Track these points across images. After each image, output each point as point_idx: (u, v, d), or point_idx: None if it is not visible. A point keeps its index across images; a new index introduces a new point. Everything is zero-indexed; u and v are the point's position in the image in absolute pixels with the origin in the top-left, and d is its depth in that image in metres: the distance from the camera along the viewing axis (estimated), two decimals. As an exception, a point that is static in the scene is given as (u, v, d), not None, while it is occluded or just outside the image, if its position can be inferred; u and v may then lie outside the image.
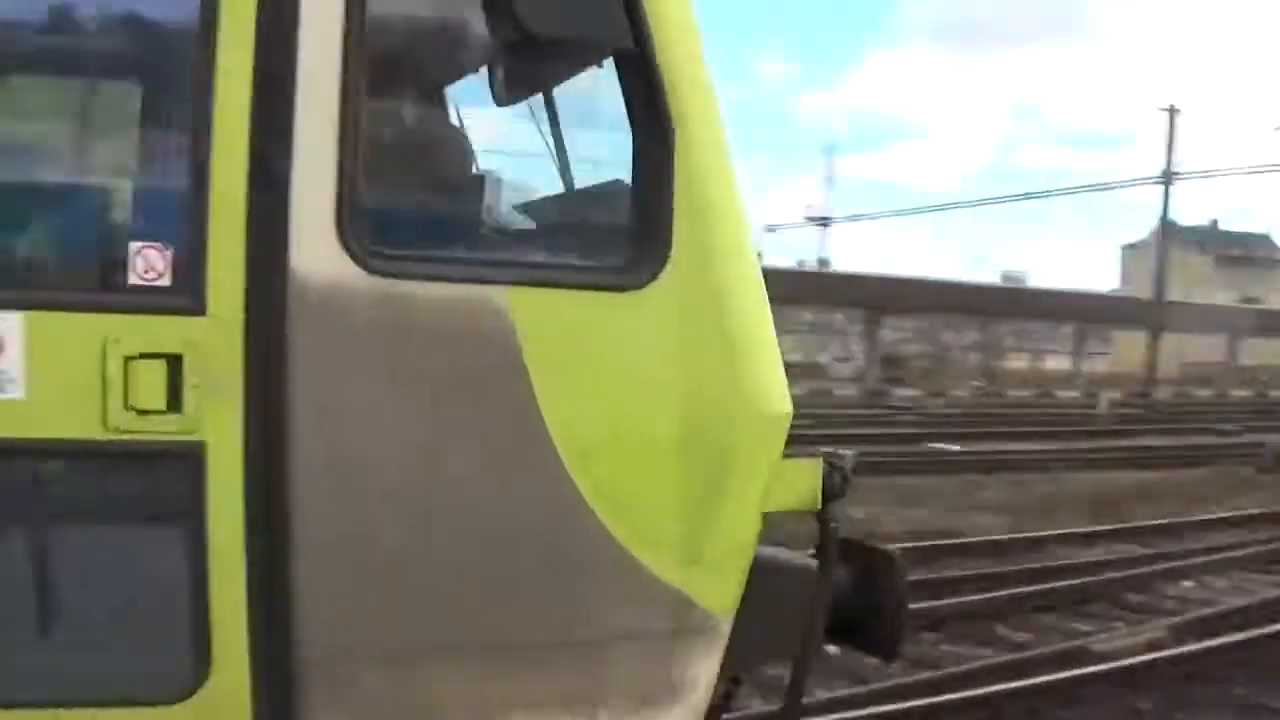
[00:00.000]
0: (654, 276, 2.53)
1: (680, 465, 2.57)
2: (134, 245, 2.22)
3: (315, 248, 2.27)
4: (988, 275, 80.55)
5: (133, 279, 2.20)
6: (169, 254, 2.22)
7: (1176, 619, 8.65)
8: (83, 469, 2.22)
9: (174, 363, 2.17)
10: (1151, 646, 7.81)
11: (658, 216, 2.53)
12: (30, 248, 2.33)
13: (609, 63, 2.57)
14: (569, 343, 2.48)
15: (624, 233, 2.62)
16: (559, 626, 2.53)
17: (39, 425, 2.11)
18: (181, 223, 2.23)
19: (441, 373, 2.39)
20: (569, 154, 2.96)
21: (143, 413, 2.16)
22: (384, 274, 2.32)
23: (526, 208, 3.09)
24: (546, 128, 2.93)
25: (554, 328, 2.45)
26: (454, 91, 2.99)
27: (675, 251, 2.54)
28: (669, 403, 2.56)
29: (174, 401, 2.18)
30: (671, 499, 2.57)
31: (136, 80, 2.57)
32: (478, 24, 2.57)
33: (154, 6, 2.39)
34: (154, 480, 2.28)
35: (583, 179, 2.97)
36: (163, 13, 2.38)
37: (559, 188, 2.97)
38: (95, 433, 2.13)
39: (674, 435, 2.56)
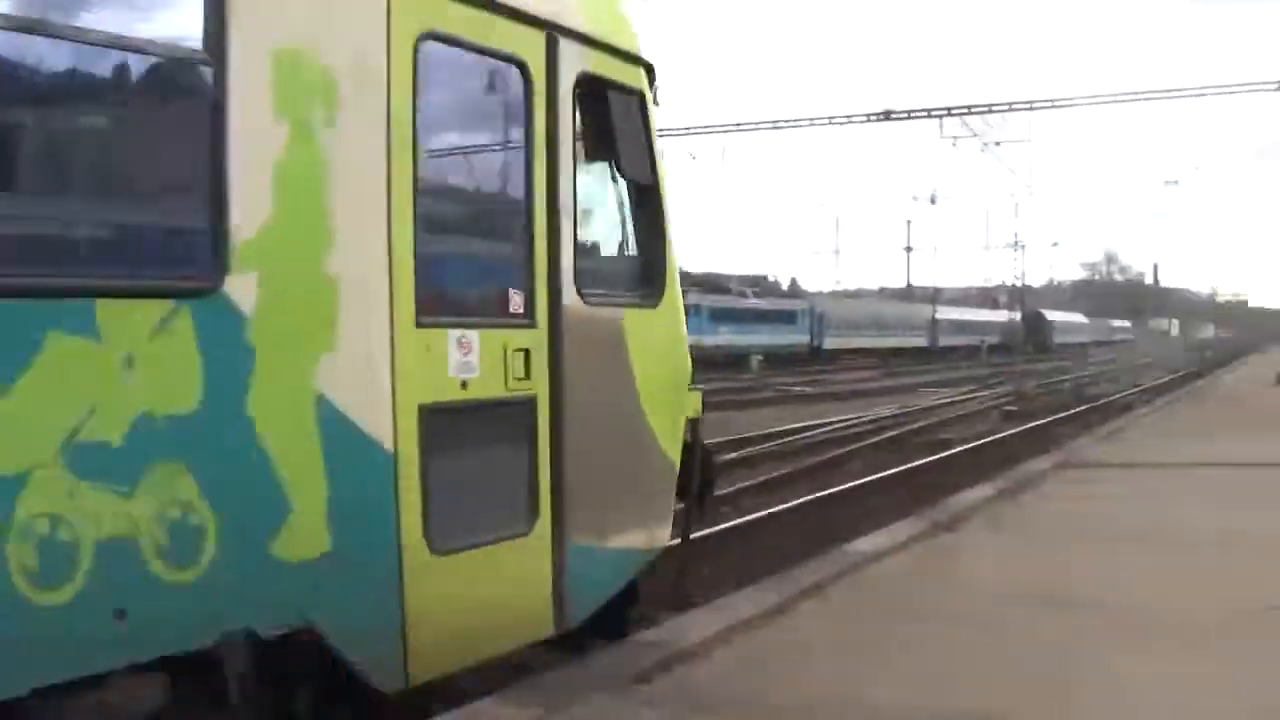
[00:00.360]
0: (660, 300, 6.48)
1: (670, 396, 6.54)
2: (511, 291, 5.44)
3: (569, 291, 5.62)
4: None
5: (511, 310, 5.43)
6: (522, 295, 5.45)
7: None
8: (499, 409, 5.31)
9: (527, 354, 5.36)
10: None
11: (661, 271, 6.48)
12: (476, 299, 5.65)
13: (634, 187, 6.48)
14: (639, 336, 6.20)
15: (651, 279, 6.49)
16: (645, 483, 6.40)
17: (485, 390, 5.16)
18: (526, 278, 5.45)
19: (609, 354, 6.02)
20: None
21: (518, 379, 5.32)
22: (589, 304, 5.78)
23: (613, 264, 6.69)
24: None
25: (634, 328, 6.18)
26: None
27: (666, 287, 6.51)
28: (667, 364, 6.54)
29: (527, 374, 5.38)
30: (668, 413, 6.49)
31: (505, 192, 5.77)
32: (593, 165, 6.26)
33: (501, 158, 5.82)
34: (520, 414, 5.42)
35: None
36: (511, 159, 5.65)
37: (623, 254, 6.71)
38: (503, 392, 5.26)
39: (669, 381, 6.54)
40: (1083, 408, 30.82)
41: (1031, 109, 36.99)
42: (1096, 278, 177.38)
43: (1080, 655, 6.37)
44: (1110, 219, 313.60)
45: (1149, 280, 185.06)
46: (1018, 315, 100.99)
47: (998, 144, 37.44)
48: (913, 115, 36.01)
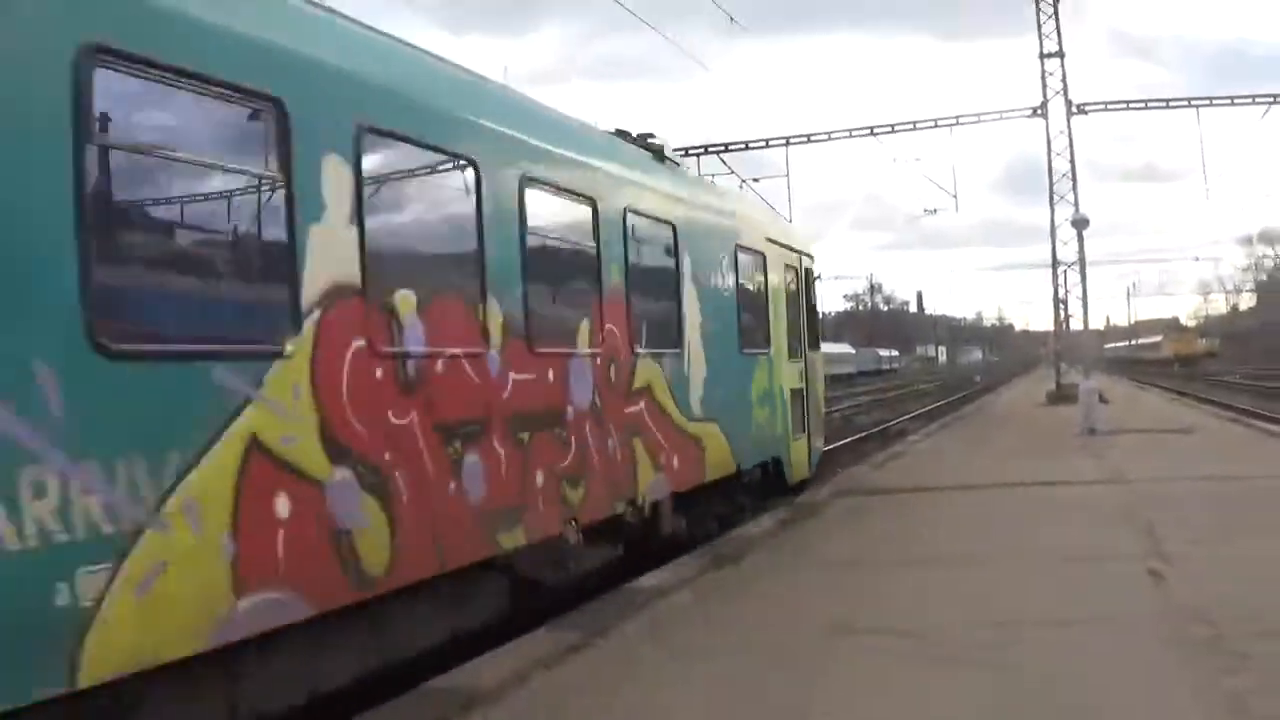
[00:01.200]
0: (819, 349, 19.11)
1: (821, 387, 19.81)
2: (799, 346, 17.06)
3: (808, 347, 17.93)
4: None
5: (798, 354, 16.89)
6: (802, 347, 17.25)
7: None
8: (799, 391, 16.72)
9: (801, 369, 16.95)
10: None
11: (819, 338, 19.99)
12: (794, 347, 16.69)
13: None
14: (817, 363, 18.90)
15: (817, 341, 19.04)
16: (820, 421, 19.36)
17: (795, 383, 16.63)
18: (801, 341, 17.22)
19: (815, 371, 18.57)
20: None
21: (800, 380, 16.81)
22: (809, 352, 18.16)
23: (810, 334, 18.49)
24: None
25: (816, 360, 18.73)
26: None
27: (820, 345, 19.68)
28: (821, 374, 19.99)
29: (801, 378, 16.93)
30: (821, 394, 19.93)
31: (798, 313, 17.14)
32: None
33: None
34: (801, 393, 16.92)
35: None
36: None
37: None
38: (798, 385, 16.71)
39: (821, 381, 20.00)
40: (858, 436, 32.34)
41: (788, 144, 39.12)
42: (861, 308, 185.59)
43: (857, 681, 6.93)
44: (872, 250, 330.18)
45: (913, 308, 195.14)
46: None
47: (755, 180, 39.22)
48: (669, 156, 37.31)
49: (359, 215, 6.62)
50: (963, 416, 37.86)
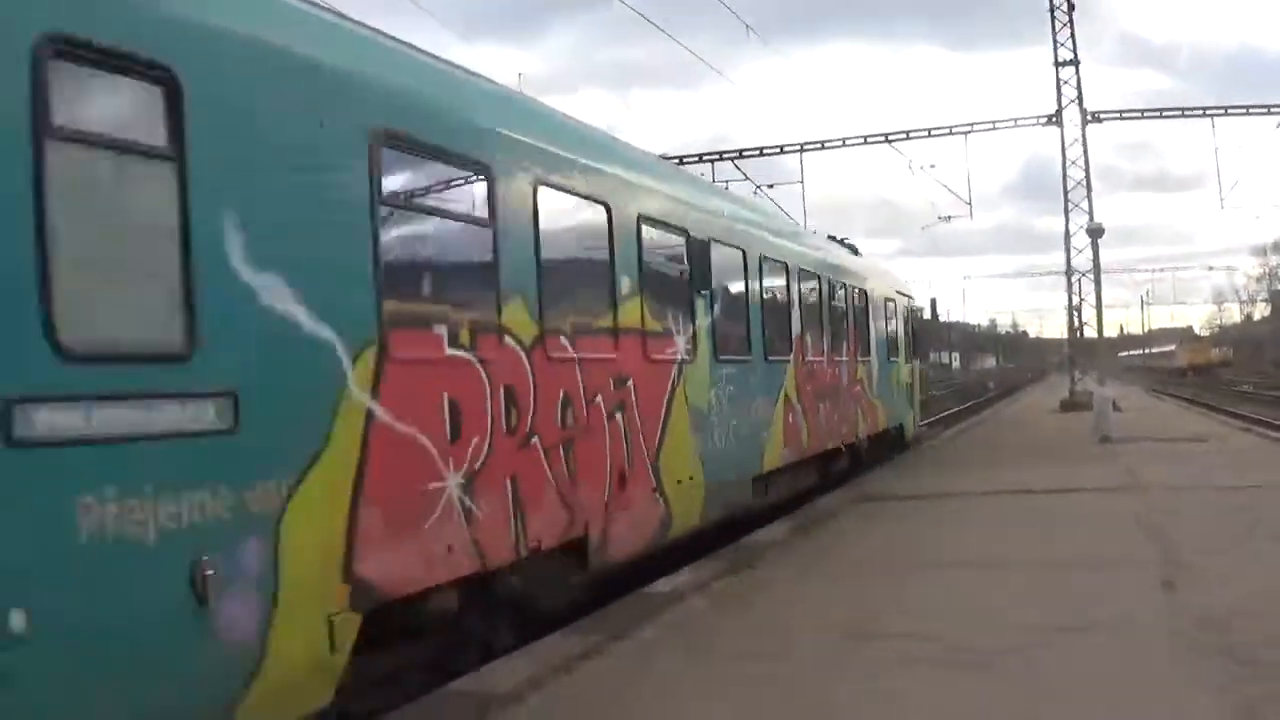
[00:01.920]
0: (916, 357, 29.19)
1: (916, 378, 29.28)
2: (907, 353, 26.42)
3: (911, 355, 27.72)
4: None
5: (906, 359, 26.19)
6: (911, 354, 27.42)
7: None
8: (909, 384, 26.79)
9: (912, 369, 27.21)
10: None
11: (915, 350, 29.39)
12: (903, 353, 25.99)
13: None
14: (915, 368, 28.93)
15: (917, 352, 29.46)
16: (918, 401, 29.75)
17: (909, 379, 26.72)
18: (910, 350, 27.12)
19: (916, 372, 28.97)
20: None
21: (910, 376, 26.79)
22: (914, 358, 28.43)
23: (912, 347, 28.31)
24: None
25: (915, 367, 29.32)
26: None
27: (915, 355, 29.38)
28: (916, 372, 29.28)
29: (911, 376, 26.97)
30: (917, 383, 30.03)
31: (905, 331, 26.48)
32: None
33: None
34: (910, 386, 26.97)
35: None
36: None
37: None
38: (909, 380, 26.52)
39: (916, 375, 29.11)
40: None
41: (802, 151, 39.08)
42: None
43: (878, 686, 6.91)
44: (886, 256, 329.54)
45: (927, 315, 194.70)
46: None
47: (770, 186, 39.19)
48: (684, 160, 37.40)
49: (800, 302, 16.09)
50: (977, 423, 37.76)
